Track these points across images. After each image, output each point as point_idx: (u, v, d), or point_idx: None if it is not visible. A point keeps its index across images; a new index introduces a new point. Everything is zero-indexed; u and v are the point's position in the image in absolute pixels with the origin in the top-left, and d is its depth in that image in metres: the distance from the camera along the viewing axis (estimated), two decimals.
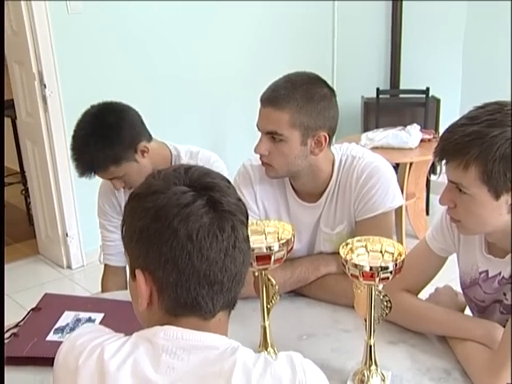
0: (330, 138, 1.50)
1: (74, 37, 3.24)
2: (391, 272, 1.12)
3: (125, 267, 1.98)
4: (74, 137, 1.70)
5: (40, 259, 3.68)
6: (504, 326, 1.20)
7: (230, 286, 0.85)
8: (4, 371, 1.15)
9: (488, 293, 1.34)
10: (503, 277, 1.30)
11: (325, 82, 1.51)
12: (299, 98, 1.42)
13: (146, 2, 3.43)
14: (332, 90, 1.50)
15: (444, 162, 1.19)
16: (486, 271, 1.33)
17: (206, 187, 0.85)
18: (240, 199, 0.90)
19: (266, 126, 1.47)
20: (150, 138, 1.79)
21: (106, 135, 1.66)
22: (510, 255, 1.27)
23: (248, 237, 0.89)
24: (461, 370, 1.25)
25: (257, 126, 1.50)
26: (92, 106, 1.73)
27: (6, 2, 3.03)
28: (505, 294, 1.32)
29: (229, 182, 0.91)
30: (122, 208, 1.93)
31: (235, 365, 0.80)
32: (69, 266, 3.54)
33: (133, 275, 0.87)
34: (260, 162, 1.56)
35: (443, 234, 1.38)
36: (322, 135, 1.47)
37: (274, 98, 1.44)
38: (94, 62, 3.33)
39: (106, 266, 1.98)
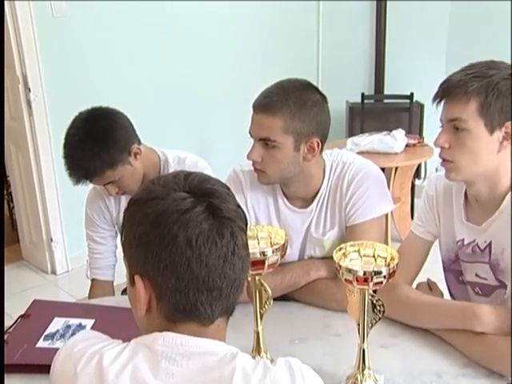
0: (322, 143, 1.50)
1: (59, 40, 3.22)
2: (384, 276, 1.13)
3: (113, 282, 1.97)
4: (66, 144, 1.68)
5: (24, 264, 3.64)
6: None
7: (228, 292, 0.85)
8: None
9: (464, 260, 1.42)
10: (477, 244, 1.37)
11: (316, 89, 1.52)
12: (292, 104, 1.43)
13: (131, 5, 3.42)
14: (324, 97, 1.51)
15: (444, 100, 1.29)
16: (462, 239, 1.41)
17: (205, 193, 0.85)
18: (239, 206, 0.90)
19: (258, 132, 1.47)
20: (139, 141, 1.79)
21: (101, 139, 1.65)
22: (485, 223, 1.35)
23: (247, 243, 0.89)
24: (452, 374, 1.26)
25: (249, 132, 1.50)
26: (80, 113, 1.71)
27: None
28: (477, 275, 1.39)
29: (228, 188, 0.91)
30: (113, 217, 1.94)
31: (235, 371, 0.80)
32: (53, 272, 3.50)
33: (131, 281, 0.86)
34: (250, 168, 1.57)
35: (425, 216, 1.50)
36: (314, 141, 1.47)
37: (266, 104, 1.44)
38: (79, 65, 3.31)
39: (93, 280, 1.94)
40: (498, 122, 1.25)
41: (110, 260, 1.96)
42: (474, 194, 1.37)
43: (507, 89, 1.24)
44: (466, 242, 1.40)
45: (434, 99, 1.30)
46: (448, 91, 1.28)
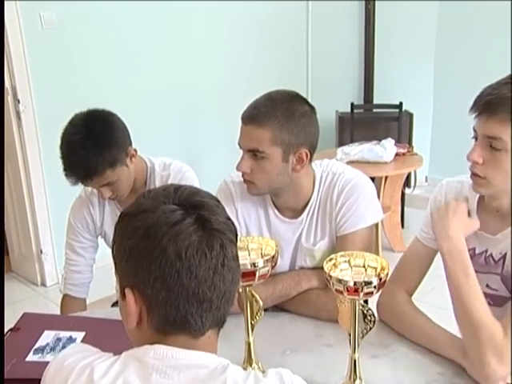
0: (311, 154, 1.51)
1: (49, 52, 3.22)
2: (375, 286, 1.13)
3: (85, 299, 1.95)
4: (65, 143, 1.66)
5: (13, 276, 3.61)
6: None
7: (219, 304, 0.85)
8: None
9: (477, 270, 1.37)
10: (491, 254, 1.34)
11: (305, 100, 1.53)
12: (280, 115, 1.44)
13: (121, 17, 3.43)
14: (312, 108, 1.52)
15: (486, 115, 1.21)
16: (474, 248, 1.37)
17: (194, 206, 0.85)
18: (229, 218, 0.90)
19: (247, 143, 1.48)
20: (132, 143, 1.79)
21: (103, 138, 1.65)
22: (501, 234, 1.32)
23: (237, 255, 0.89)
24: (443, 383, 1.26)
25: (238, 144, 1.51)
26: (77, 114, 1.70)
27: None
28: (488, 286, 1.37)
29: (218, 201, 0.91)
30: (96, 226, 1.93)
31: (226, 383, 0.80)
32: (43, 284, 3.48)
33: (122, 294, 0.86)
34: (241, 179, 1.57)
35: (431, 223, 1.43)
36: (303, 152, 1.48)
37: (254, 115, 1.45)
38: (69, 76, 3.31)
39: (65, 296, 1.93)
40: None
41: (86, 277, 1.95)
42: (496, 205, 1.34)
43: None
44: (477, 252, 1.37)
45: (473, 111, 1.23)
46: (491, 107, 1.20)
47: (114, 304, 2.02)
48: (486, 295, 1.36)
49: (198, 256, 0.81)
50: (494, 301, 1.34)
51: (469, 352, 1.24)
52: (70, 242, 1.93)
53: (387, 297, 1.21)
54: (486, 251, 1.35)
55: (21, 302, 3.28)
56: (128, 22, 3.48)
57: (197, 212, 0.84)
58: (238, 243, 1.18)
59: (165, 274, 0.81)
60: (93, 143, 1.63)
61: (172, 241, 0.81)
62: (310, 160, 1.53)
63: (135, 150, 1.76)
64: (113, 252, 0.88)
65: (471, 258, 1.37)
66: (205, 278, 0.82)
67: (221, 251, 0.84)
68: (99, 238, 1.95)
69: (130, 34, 3.52)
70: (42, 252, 3.41)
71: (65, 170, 1.66)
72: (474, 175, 1.28)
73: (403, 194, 4.00)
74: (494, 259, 1.34)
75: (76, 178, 1.67)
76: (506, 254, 1.31)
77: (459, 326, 1.26)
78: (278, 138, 1.44)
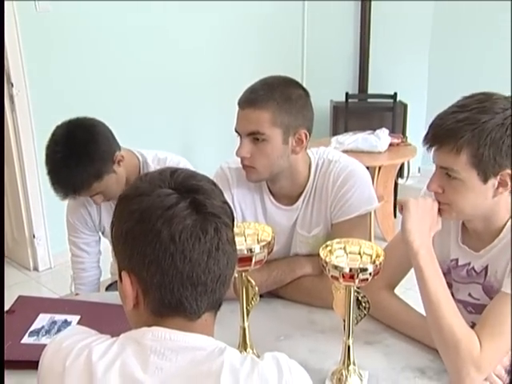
0: (308, 137, 1.52)
1: (43, 35, 3.19)
2: (370, 273, 1.14)
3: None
4: (49, 161, 1.65)
5: (5, 261, 3.60)
6: (472, 327, 1.23)
7: (214, 287, 0.85)
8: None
9: (456, 280, 1.40)
10: (473, 267, 1.35)
11: (299, 84, 1.54)
12: (278, 97, 1.45)
13: (116, 2, 3.40)
14: (306, 92, 1.53)
15: (435, 148, 1.23)
16: (457, 259, 1.39)
17: (190, 189, 0.86)
18: (225, 202, 0.91)
19: (247, 127, 1.48)
20: (119, 147, 1.76)
21: (85, 153, 1.63)
22: (484, 250, 1.32)
23: (233, 239, 0.90)
24: (434, 369, 1.28)
25: (235, 130, 1.51)
26: (58, 127, 1.68)
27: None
28: (470, 295, 1.37)
29: (215, 184, 0.91)
30: (95, 223, 1.93)
31: (223, 365, 0.81)
32: (36, 268, 3.48)
33: (120, 277, 0.87)
34: (237, 165, 1.57)
35: None
36: (302, 132, 1.49)
37: (253, 99, 1.46)
38: (63, 61, 3.29)
39: (77, 295, 1.91)
40: (492, 172, 1.20)
41: (93, 274, 1.96)
42: (470, 227, 1.35)
43: (500, 136, 1.17)
44: (460, 263, 1.38)
45: (425, 144, 1.25)
46: (438, 139, 1.22)
47: (108, 288, 2.03)
48: (469, 304, 1.39)
49: (192, 239, 0.82)
50: (476, 309, 1.35)
51: (446, 363, 1.23)
52: (72, 240, 1.94)
53: (370, 292, 1.22)
54: (469, 264, 1.36)
55: (13, 286, 3.28)
56: (123, 8, 3.45)
57: (192, 196, 0.85)
58: (235, 229, 1.19)
59: (159, 258, 0.82)
60: (76, 161, 1.61)
61: (166, 224, 0.81)
62: (307, 144, 1.54)
63: (121, 155, 1.73)
64: (111, 235, 0.89)
65: (453, 268, 1.40)
66: (199, 261, 0.83)
67: (215, 235, 0.84)
68: (99, 232, 1.96)
69: (124, 21, 3.49)
70: (34, 237, 3.40)
71: (52, 186, 1.66)
72: (439, 203, 1.30)
73: (396, 185, 4.01)
74: (475, 271, 1.35)
75: (63, 193, 1.67)
76: (487, 266, 1.32)
77: (435, 337, 1.25)
78: (277, 119, 1.45)
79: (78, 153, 1.62)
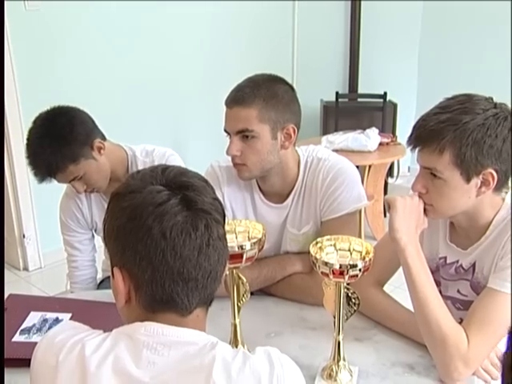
0: (297, 131, 1.53)
1: (32, 34, 3.17)
2: (360, 270, 1.15)
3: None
4: (27, 144, 1.68)
5: None
6: (460, 323, 1.25)
7: (205, 283, 0.86)
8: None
9: (445, 278, 1.42)
10: (461, 265, 1.38)
11: (284, 80, 1.56)
12: (264, 94, 1.47)
13: (104, 1, 3.39)
14: (292, 87, 1.55)
15: (418, 148, 1.26)
16: (445, 257, 1.41)
17: (181, 186, 0.87)
18: (216, 198, 0.91)
19: (235, 125, 1.49)
20: (103, 137, 1.79)
21: (60, 135, 1.66)
22: (471, 248, 1.35)
23: (224, 235, 0.90)
24: (423, 365, 1.29)
25: (225, 130, 1.52)
26: (40, 113, 1.71)
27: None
28: (458, 291, 1.39)
29: (206, 181, 0.92)
30: (87, 221, 1.94)
31: (215, 359, 0.82)
32: (25, 268, 3.46)
33: (112, 273, 0.87)
34: (227, 164, 1.58)
35: None
36: (290, 127, 1.51)
37: (239, 97, 1.48)
38: (52, 59, 3.27)
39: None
40: (475, 171, 1.23)
41: (87, 272, 1.96)
42: (455, 223, 1.38)
43: (482, 137, 1.20)
44: (448, 261, 1.41)
45: (408, 145, 1.28)
46: (421, 140, 1.25)
47: (100, 284, 2.03)
48: (457, 301, 1.41)
49: (183, 236, 0.83)
50: (464, 306, 1.37)
51: (434, 358, 1.25)
52: (66, 238, 1.94)
53: (359, 289, 1.24)
54: (457, 261, 1.38)
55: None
56: (112, 7, 3.44)
57: (182, 192, 0.85)
58: (226, 226, 1.20)
59: (150, 254, 0.83)
60: (50, 141, 1.64)
61: (157, 221, 0.82)
62: (296, 139, 1.55)
63: (101, 143, 1.75)
64: (104, 232, 0.89)
65: (442, 266, 1.42)
66: (189, 257, 0.84)
67: (205, 231, 0.85)
68: (92, 230, 1.96)
69: (113, 18, 3.48)
70: (24, 236, 3.39)
71: (31, 169, 1.69)
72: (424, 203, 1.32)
73: (386, 184, 4.04)
74: (463, 268, 1.37)
75: (40, 176, 1.69)
76: (475, 263, 1.34)
77: (423, 333, 1.27)
78: (264, 115, 1.47)
79: (54, 134, 1.65)
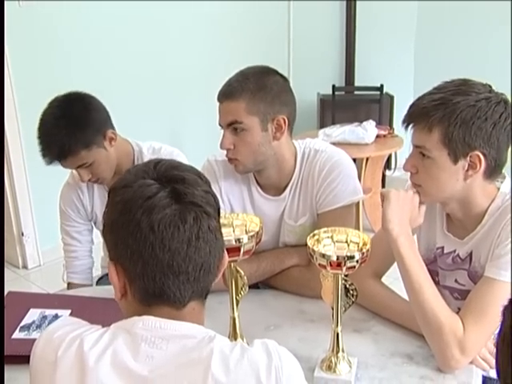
0: (290, 122, 1.54)
1: (26, 29, 3.16)
2: (357, 261, 1.16)
3: (91, 285, 1.95)
4: (41, 123, 1.68)
5: None
6: (458, 313, 1.26)
7: (196, 275, 0.86)
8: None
9: (443, 268, 1.42)
10: (458, 254, 1.38)
11: (277, 72, 1.56)
12: (252, 86, 1.48)
13: None
14: (285, 78, 1.56)
15: (411, 126, 1.27)
16: (442, 247, 1.41)
17: (171, 179, 0.87)
18: (209, 191, 0.91)
19: (225, 118, 1.51)
20: (113, 127, 1.79)
21: (77, 118, 1.66)
22: (467, 237, 1.35)
23: (217, 228, 0.90)
24: (422, 355, 1.30)
25: (219, 124, 1.54)
26: (57, 96, 1.72)
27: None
28: (456, 281, 1.39)
29: (200, 175, 0.92)
30: (87, 211, 1.93)
31: (213, 352, 0.82)
32: (24, 266, 3.45)
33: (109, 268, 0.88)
34: (224, 158, 1.59)
35: None
36: (280, 118, 1.51)
37: (228, 91, 1.49)
38: (47, 54, 3.25)
39: (69, 284, 1.92)
40: (462, 152, 1.23)
41: (85, 263, 1.95)
42: (449, 212, 1.38)
43: (471, 117, 1.20)
44: (445, 251, 1.41)
45: (403, 123, 1.29)
46: (413, 118, 1.27)
47: (99, 281, 2.03)
48: (455, 290, 1.41)
49: (171, 229, 0.83)
50: (462, 295, 1.37)
51: (431, 347, 1.26)
52: (64, 228, 1.93)
53: (357, 280, 1.24)
54: (455, 251, 1.39)
55: None
56: (108, 2, 3.42)
57: (172, 185, 0.85)
58: (223, 220, 1.20)
59: (140, 247, 0.83)
60: (66, 122, 1.64)
61: (146, 214, 0.83)
62: (290, 130, 1.55)
63: (114, 134, 1.75)
64: (103, 226, 0.90)
65: (439, 256, 1.42)
66: (178, 250, 0.84)
67: (195, 224, 0.84)
68: (91, 221, 1.96)
69: (111, 13, 3.47)
70: (23, 234, 3.38)
71: (41, 149, 1.68)
72: (412, 185, 1.33)
73: (384, 176, 4.04)
74: (460, 258, 1.38)
75: (50, 157, 1.67)
76: (471, 253, 1.35)
77: (419, 322, 1.28)
78: (253, 107, 1.48)
79: (71, 116, 1.66)
